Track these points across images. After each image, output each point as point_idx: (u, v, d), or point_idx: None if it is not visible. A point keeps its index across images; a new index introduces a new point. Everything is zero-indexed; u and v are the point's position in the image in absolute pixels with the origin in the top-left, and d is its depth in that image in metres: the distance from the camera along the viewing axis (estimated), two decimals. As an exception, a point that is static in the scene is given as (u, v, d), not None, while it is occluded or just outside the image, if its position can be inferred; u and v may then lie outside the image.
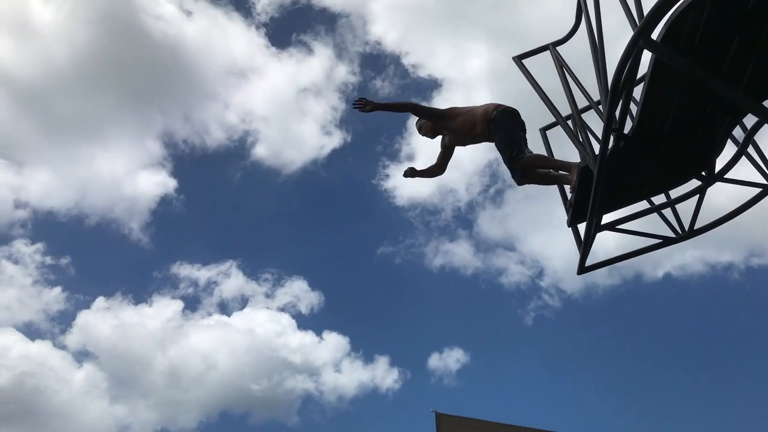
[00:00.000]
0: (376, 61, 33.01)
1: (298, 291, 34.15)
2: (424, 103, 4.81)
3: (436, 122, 4.64)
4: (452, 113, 4.57)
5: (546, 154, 4.39)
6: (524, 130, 4.42)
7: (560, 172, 4.19)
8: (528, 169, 4.21)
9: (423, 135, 4.84)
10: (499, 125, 4.33)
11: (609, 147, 3.67)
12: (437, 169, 4.84)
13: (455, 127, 4.58)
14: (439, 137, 4.85)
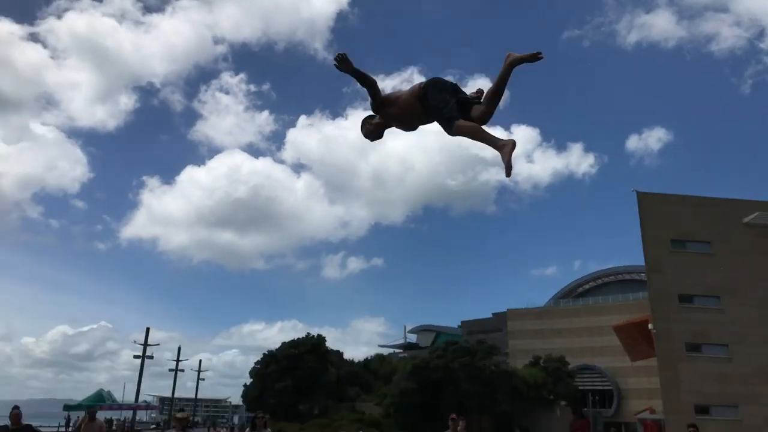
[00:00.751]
0: None
1: (482, 88, 34.44)
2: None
3: (379, 109, 4.50)
4: (389, 101, 4.43)
5: (481, 129, 4.13)
6: (454, 94, 4.32)
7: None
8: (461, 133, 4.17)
9: (372, 140, 4.82)
10: (428, 98, 4.25)
11: None
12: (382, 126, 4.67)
13: (397, 113, 4.45)
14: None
